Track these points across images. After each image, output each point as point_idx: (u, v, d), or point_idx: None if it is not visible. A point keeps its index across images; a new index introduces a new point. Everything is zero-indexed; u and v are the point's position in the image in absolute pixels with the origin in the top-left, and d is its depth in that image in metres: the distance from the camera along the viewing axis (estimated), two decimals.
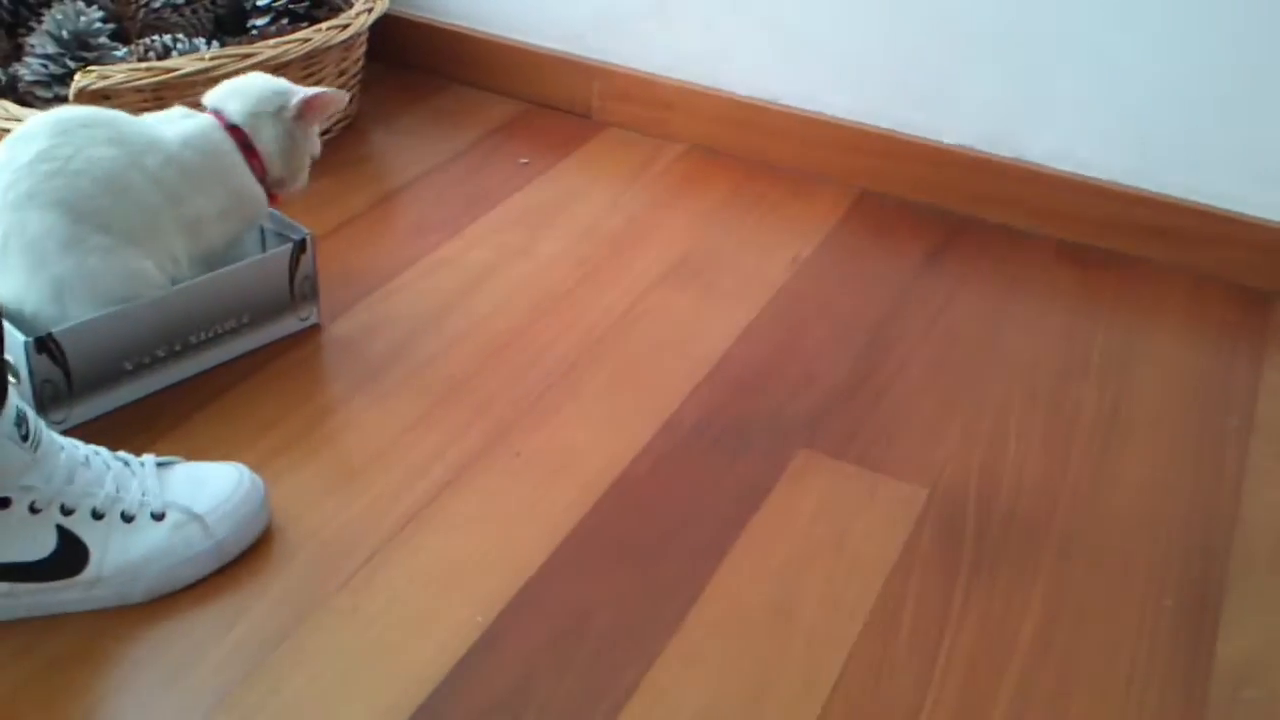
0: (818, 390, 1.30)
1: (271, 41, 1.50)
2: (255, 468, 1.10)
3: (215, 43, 1.57)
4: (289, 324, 1.32)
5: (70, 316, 1.13)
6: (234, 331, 1.27)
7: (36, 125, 1.15)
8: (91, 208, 1.13)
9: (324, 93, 1.29)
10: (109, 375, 1.18)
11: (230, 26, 1.63)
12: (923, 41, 1.60)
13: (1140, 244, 1.56)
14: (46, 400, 1.14)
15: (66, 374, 1.14)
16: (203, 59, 1.46)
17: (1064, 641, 1.03)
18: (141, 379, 1.21)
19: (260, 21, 1.59)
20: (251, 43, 1.52)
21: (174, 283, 1.21)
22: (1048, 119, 1.57)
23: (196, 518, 1.02)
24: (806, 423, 1.25)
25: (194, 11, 1.62)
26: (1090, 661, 1.02)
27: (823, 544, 1.11)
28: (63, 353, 1.13)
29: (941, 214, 1.64)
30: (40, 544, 0.97)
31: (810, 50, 1.68)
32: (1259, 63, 1.44)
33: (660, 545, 1.10)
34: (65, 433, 1.07)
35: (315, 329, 1.33)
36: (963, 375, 1.34)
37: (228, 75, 1.36)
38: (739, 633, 1.02)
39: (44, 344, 1.11)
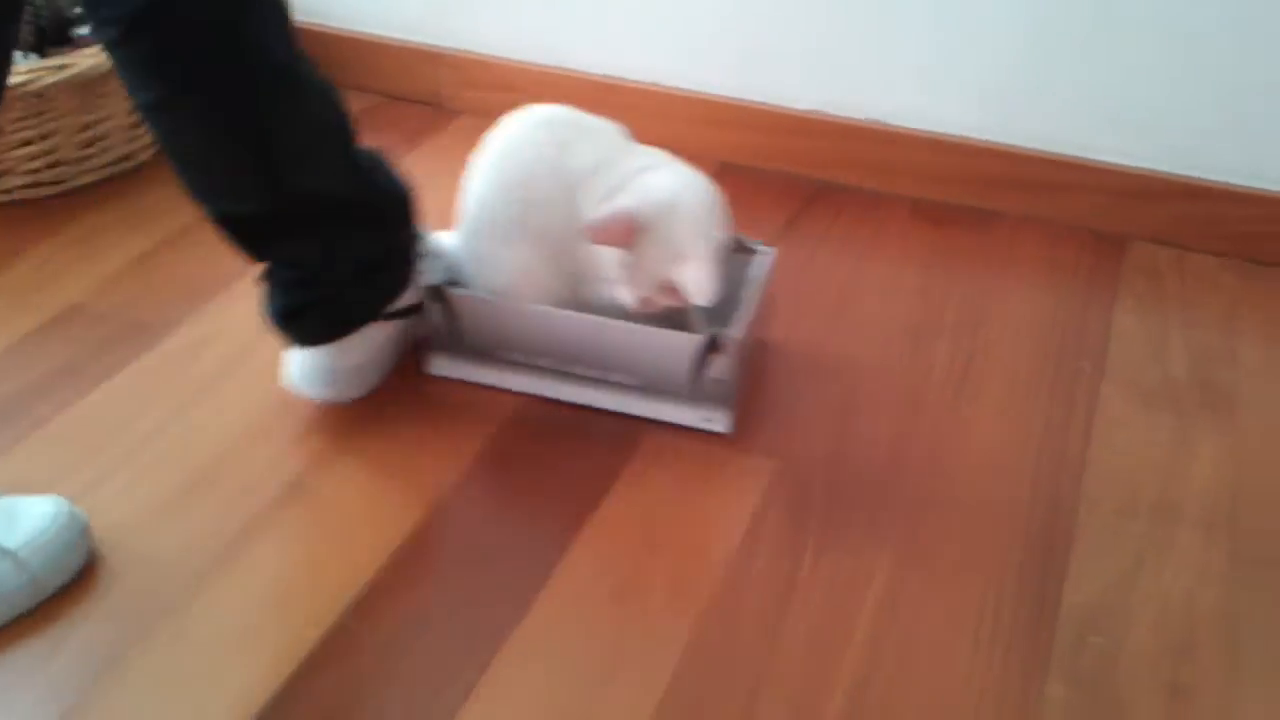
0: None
1: (89, 50, 1.45)
2: (78, 497, 1.06)
3: (36, 55, 1.51)
4: (689, 416, 1.23)
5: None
6: (624, 387, 1.23)
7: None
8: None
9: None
10: (493, 353, 1.25)
11: (53, 36, 1.57)
12: (770, 9, 1.58)
13: (994, 197, 1.56)
14: (437, 343, 1.26)
15: (457, 329, 1.24)
16: (19, 72, 1.40)
17: (911, 602, 1.03)
18: (520, 375, 1.25)
19: (83, 30, 1.54)
20: (73, 52, 1.47)
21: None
22: (895, 79, 1.57)
23: (8, 554, 0.98)
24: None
25: None
26: (937, 620, 1.01)
27: (669, 525, 1.10)
28: (451, 309, 1.23)
29: (799, 181, 1.63)
30: None
31: (659, 24, 1.65)
32: (1098, 5, 1.45)
33: (502, 542, 1.08)
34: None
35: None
36: (818, 342, 1.33)
37: (46, 88, 1.31)
38: (580, 623, 1.00)
39: (438, 293, 1.22)
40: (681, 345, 1.17)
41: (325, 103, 1.09)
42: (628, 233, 1.12)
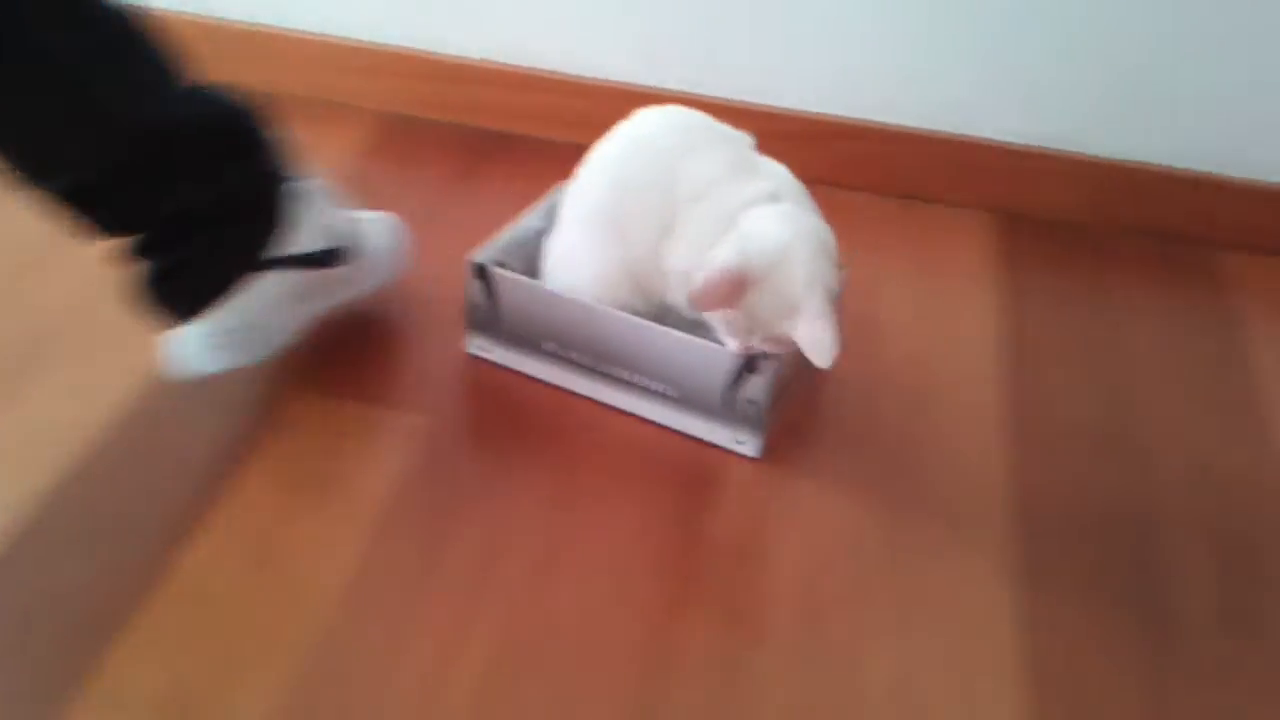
0: (312, 332, 1.22)
1: None
2: None
3: None
4: (720, 435, 1.16)
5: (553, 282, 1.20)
6: (659, 396, 1.17)
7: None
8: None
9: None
10: (530, 341, 1.21)
11: None
12: None
13: None
14: (475, 321, 1.23)
15: (496, 310, 1.21)
16: None
17: (555, 547, 1.03)
18: (556, 367, 1.21)
19: None
20: None
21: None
22: (559, 24, 1.56)
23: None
24: (302, 366, 1.19)
25: None
26: (580, 560, 1.02)
27: (312, 490, 1.06)
28: (492, 289, 1.20)
29: (468, 131, 1.61)
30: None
31: None
32: None
33: (129, 520, 1.03)
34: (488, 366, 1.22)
35: None
36: None
37: None
38: (212, 602, 0.96)
39: (482, 271, 1.19)
40: (718, 359, 1.12)
41: (121, 24, 1.00)
42: (735, 294, 1.05)
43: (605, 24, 1.54)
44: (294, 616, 0.95)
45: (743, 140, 1.17)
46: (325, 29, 1.61)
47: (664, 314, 1.17)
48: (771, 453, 1.15)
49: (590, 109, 1.57)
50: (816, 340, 1.04)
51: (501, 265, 1.20)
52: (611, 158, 1.17)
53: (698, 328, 1.13)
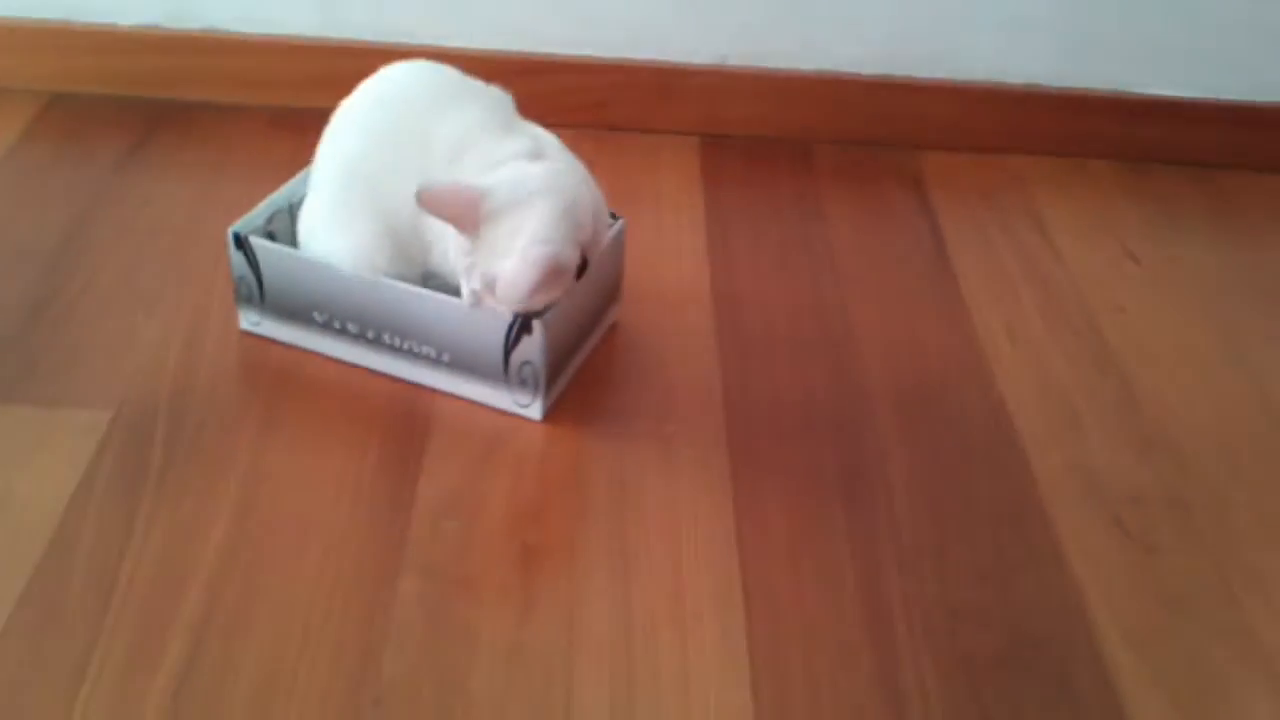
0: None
1: None
2: None
3: None
4: (503, 399, 1.11)
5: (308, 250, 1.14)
6: (436, 362, 1.11)
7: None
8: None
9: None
10: (298, 312, 1.14)
11: None
12: None
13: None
14: (240, 296, 1.15)
15: (259, 282, 1.13)
16: None
17: (259, 528, 0.98)
18: (330, 338, 1.15)
19: None
20: None
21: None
22: None
23: None
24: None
25: None
26: (286, 540, 0.97)
27: None
28: (255, 259, 1.13)
29: (141, 104, 1.50)
30: None
31: None
32: None
33: None
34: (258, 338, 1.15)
35: None
36: (165, 273, 1.23)
37: None
38: None
39: (241, 242, 1.12)
40: (491, 323, 1.06)
41: None
42: (464, 210, 1.01)
43: None
44: None
45: (502, 98, 1.12)
46: None
47: (426, 280, 1.11)
48: (557, 413, 1.12)
49: (270, 67, 1.50)
50: (510, 281, 1.00)
51: (271, 236, 1.14)
52: (360, 116, 1.11)
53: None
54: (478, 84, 1.12)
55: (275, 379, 1.13)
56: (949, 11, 1.50)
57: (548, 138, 1.11)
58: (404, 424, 1.09)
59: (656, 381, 1.17)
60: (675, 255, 1.34)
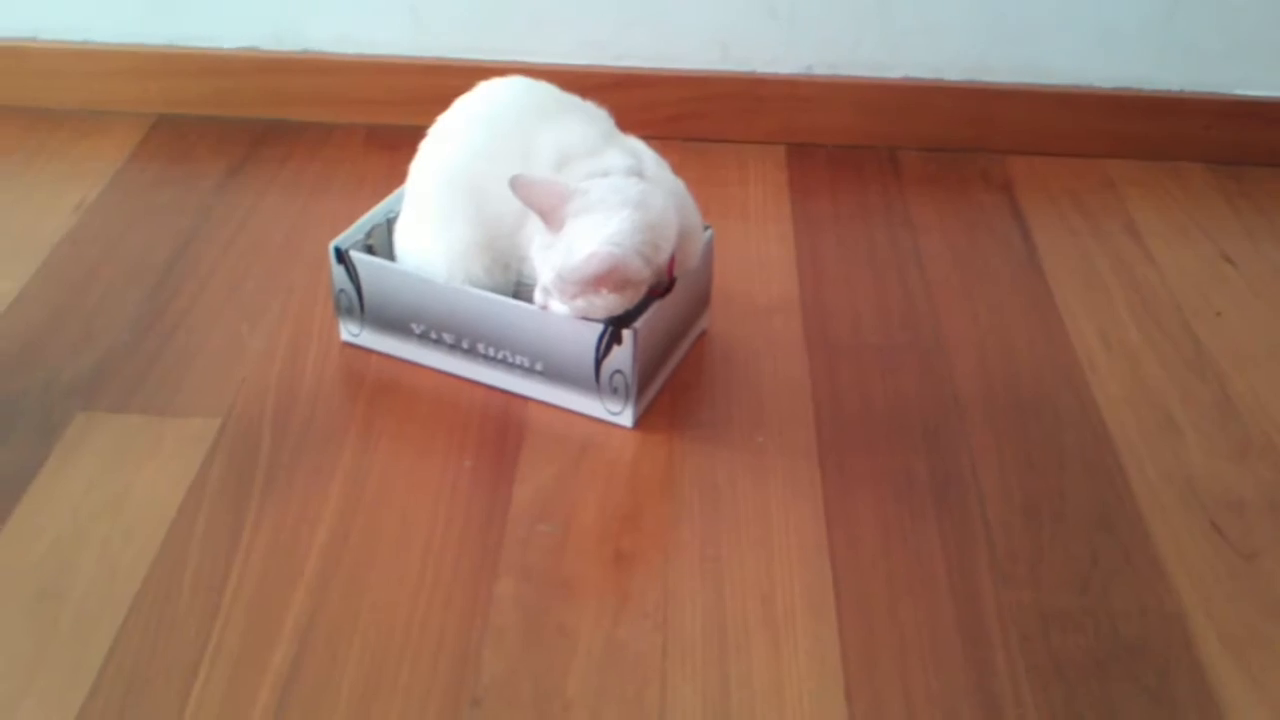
0: (99, 344, 1.18)
1: None
2: None
3: None
4: (594, 407, 1.13)
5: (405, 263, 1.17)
6: (531, 372, 1.14)
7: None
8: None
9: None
10: (397, 324, 1.17)
11: None
12: None
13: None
14: (340, 308, 1.18)
15: (359, 294, 1.17)
16: None
17: (361, 533, 1.00)
18: (428, 348, 1.17)
19: None
20: None
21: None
22: (321, 5, 1.51)
23: None
24: (85, 383, 1.14)
25: None
26: (388, 539, 1.00)
27: (100, 509, 1.01)
28: (355, 272, 1.16)
29: (243, 124, 1.55)
30: None
31: None
32: None
33: None
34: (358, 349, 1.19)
35: None
36: (268, 287, 1.27)
37: None
38: None
39: (342, 256, 1.15)
40: (584, 333, 1.09)
41: None
42: (558, 203, 1.04)
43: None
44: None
45: (600, 113, 1.15)
46: (85, 36, 1.54)
47: (521, 291, 1.14)
48: (648, 420, 1.14)
49: (367, 86, 1.54)
50: (570, 269, 1.03)
51: (370, 250, 1.18)
52: (461, 130, 1.14)
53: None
54: (576, 99, 1.15)
55: (375, 388, 1.16)
56: (1035, 17, 1.49)
57: (648, 154, 1.13)
58: (499, 431, 1.11)
59: (746, 390, 1.18)
60: (763, 264, 1.35)
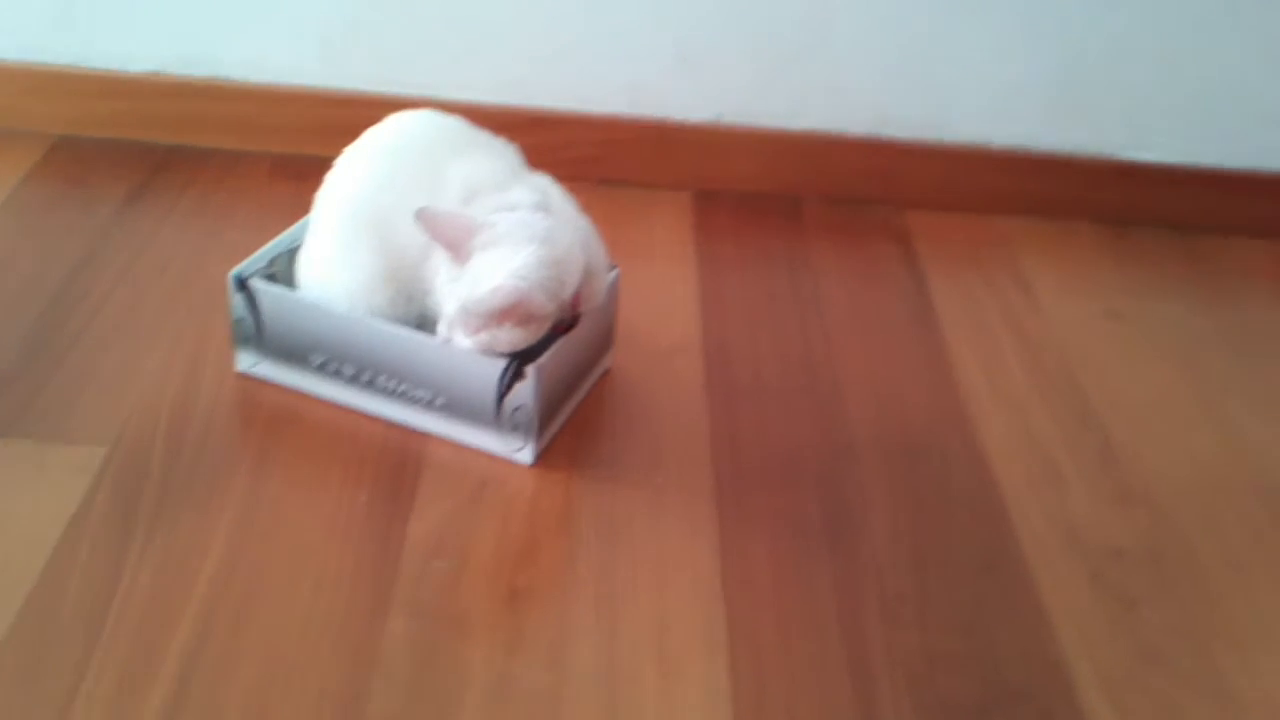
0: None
1: None
2: None
3: None
4: (496, 444, 1.12)
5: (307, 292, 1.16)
6: (426, 404, 1.13)
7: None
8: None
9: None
10: (296, 355, 1.16)
11: None
12: None
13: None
14: (238, 337, 1.16)
15: (258, 324, 1.15)
16: None
17: (250, 565, 0.99)
18: (326, 380, 1.16)
19: None
20: None
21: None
22: (235, 30, 1.50)
23: None
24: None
25: None
26: (277, 574, 0.98)
27: None
28: (256, 301, 1.15)
29: (146, 148, 1.53)
30: None
31: None
32: None
33: None
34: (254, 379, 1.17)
35: None
36: (165, 313, 1.25)
37: None
38: None
39: (242, 284, 1.14)
40: (487, 368, 1.08)
41: None
42: (464, 236, 1.05)
43: (280, 25, 1.50)
44: None
45: (508, 149, 1.16)
46: None
47: (424, 320, 1.13)
48: (548, 458, 1.13)
49: (274, 114, 1.53)
50: (474, 300, 1.03)
51: (272, 279, 1.16)
52: (371, 160, 1.14)
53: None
54: (486, 134, 1.16)
55: (270, 419, 1.14)
56: (937, 76, 1.54)
57: (555, 191, 1.14)
58: (396, 466, 1.10)
59: (646, 430, 1.18)
60: (667, 306, 1.37)
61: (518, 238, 1.05)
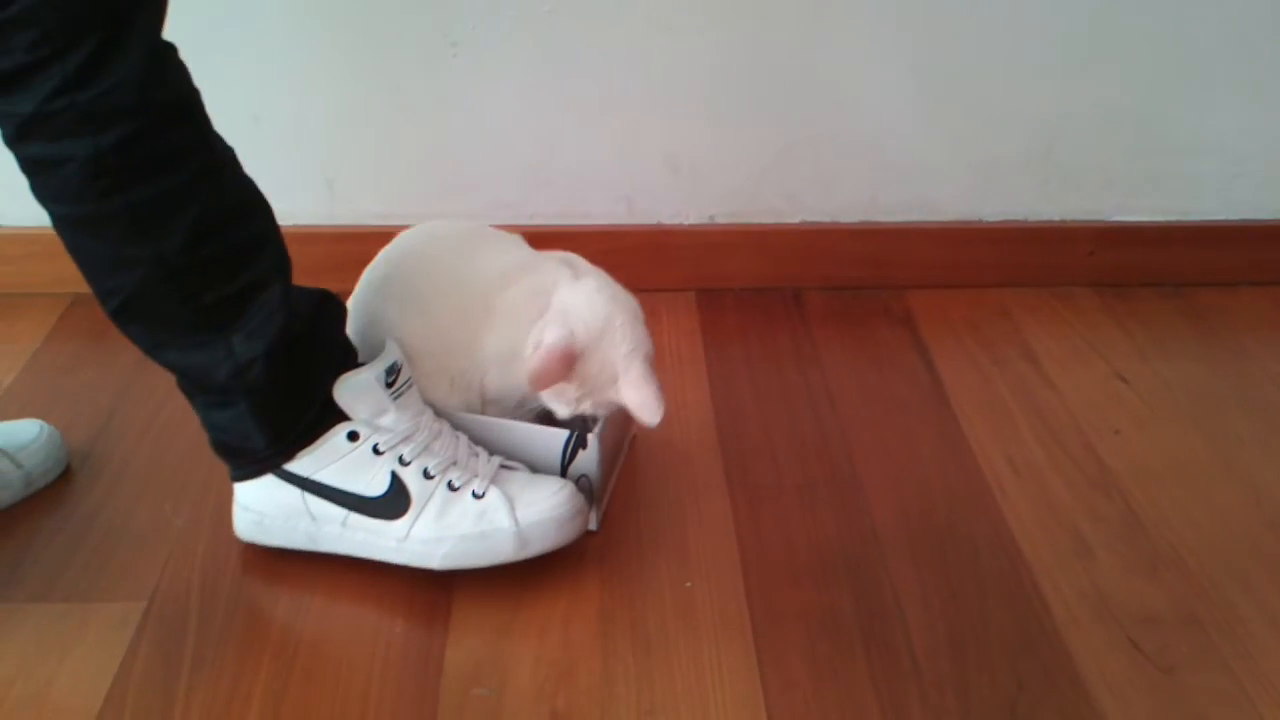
0: (18, 534, 1.17)
1: None
2: None
3: None
4: None
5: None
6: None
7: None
8: None
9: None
10: None
11: None
12: None
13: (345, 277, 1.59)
14: None
15: None
16: None
17: (292, 711, 0.99)
18: None
19: None
20: None
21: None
22: None
23: (509, 503, 1.09)
24: (4, 575, 1.12)
25: None
26: (320, 714, 0.99)
27: (22, 705, 0.99)
28: None
29: None
30: (376, 482, 1.10)
31: None
32: None
33: None
34: None
35: None
36: (189, 465, 1.27)
37: None
38: None
39: None
40: (550, 441, 1.16)
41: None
42: (569, 367, 1.10)
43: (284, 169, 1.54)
44: None
45: (516, 238, 1.23)
46: None
47: (482, 405, 1.18)
48: (578, 570, 1.15)
49: None
50: (644, 403, 1.11)
51: None
52: (396, 273, 1.18)
53: (518, 411, 1.18)
54: (491, 229, 1.23)
55: (301, 558, 1.15)
56: (922, 159, 1.58)
57: (570, 255, 1.20)
58: (429, 591, 1.11)
59: (672, 532, 1.19)
60: (681, 407, 1.38)
61: (595, 328, 1.12)
